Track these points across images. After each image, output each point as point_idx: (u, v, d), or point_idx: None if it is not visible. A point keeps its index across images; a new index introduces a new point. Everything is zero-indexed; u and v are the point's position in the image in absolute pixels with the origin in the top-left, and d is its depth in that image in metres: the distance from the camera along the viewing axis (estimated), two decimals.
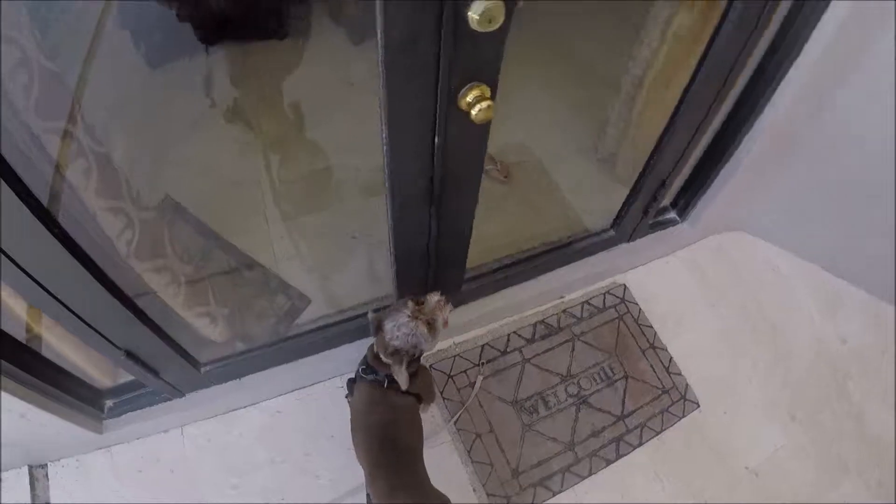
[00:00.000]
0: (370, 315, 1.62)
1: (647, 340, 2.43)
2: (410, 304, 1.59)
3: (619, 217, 2.34)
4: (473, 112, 1.27)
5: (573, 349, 2.37)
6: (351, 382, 1.80)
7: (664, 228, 2.57)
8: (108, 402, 2.11)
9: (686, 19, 2.10)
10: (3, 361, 1.61)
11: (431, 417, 2.20)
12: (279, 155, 2.66)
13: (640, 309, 2.50)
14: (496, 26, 1.10)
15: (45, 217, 1.26)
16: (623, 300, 2.50)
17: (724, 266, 2.67)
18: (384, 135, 1.33)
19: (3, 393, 1.63)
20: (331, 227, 2.51)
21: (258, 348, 2.12)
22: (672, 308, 2.54)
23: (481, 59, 1.23)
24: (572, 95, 2.91)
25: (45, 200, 1.28)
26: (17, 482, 2.08)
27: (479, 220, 1.82)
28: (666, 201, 2.54)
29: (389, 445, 1.65)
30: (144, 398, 2.10)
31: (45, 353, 1.85)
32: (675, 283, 2.60)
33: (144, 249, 1.71)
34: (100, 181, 1.52)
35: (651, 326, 2.46)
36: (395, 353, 1.58)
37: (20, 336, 1.75)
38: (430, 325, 1.59)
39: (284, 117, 2.75)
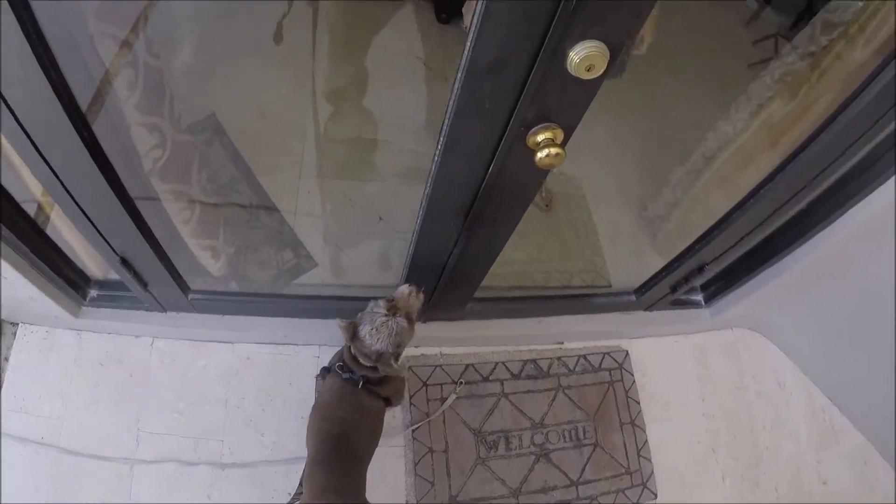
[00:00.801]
0: (339, 323, 1.55)
1: (630, 415, 2.33)
2: (382, 303, 1.55)
3: (646, 286, 2.25)
4: (539, 155, 1.18)
5: (554, 399, 2.29)
6: (325, 371, 1.73)
7: (685, 308, 2.48)
8: (93, 292, 2.11)
9: (781, 107, 1.96)
10: (8, 231, 1.63)
11: (392, 418, 2.16)
12: (333, 109, 2.54)
13: (633, 381, 2.40)
14: (593, 75, 1.02)
15: (77, 117, 1.21)
16: (620, 366, 2.40)
17: (731, 364, 2.57)
18: (440, 143, 1.26)
19: None
20: (361, 199, 2.42)
21: (250, 294, 2.09)
22: (664, 390, 2.45)
23: (565, 102, 1.14)
24: (639, 145, 2.78)
25: (82, 101, 1.23)
26: None
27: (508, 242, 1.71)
28: (696, 283, 2.40)
29: (342, 445, 1.60)
30: (127, 300, 2.09)
31: (50, 231, 1.85)
32: (677, 366, 2.51)
33: (169, 171, 1.67)
34: (143, 96, 1.45)
35: (638, 402, 2.37)
36: (380, 357, 1.54)
37: (30, 210, 1.76)
38: (409, 318, 1.56)
39: (348, 73, 2.61)
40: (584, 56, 0.98)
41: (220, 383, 2.14)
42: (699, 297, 2.46)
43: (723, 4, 3.12)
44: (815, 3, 2.81)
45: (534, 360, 2.33)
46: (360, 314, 1.58)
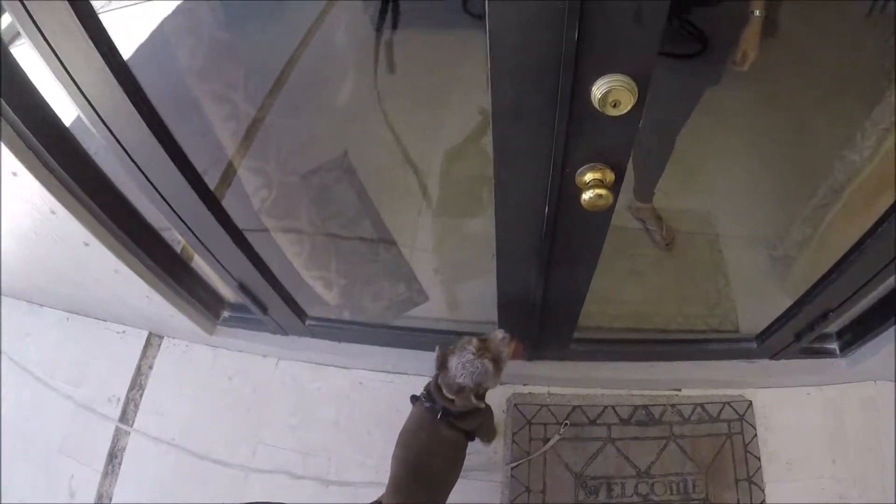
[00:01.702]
0: (437, 350, 1.60)
1: (747, 472, 2.14)
2: (475, 341, 1.57)
3: (766, 333, 2.09)
4: (584, 196, 1.16)
5: (664, 448, 2.15)
6: (414, 398, 1.76)
7: (817, 357, 2.22)
8: (225, 313, 2.37)
9: None
10: (147, 257, 1.87)
11: (493, 453, 2.17)
12: (456, 149, 2.54)
13: (755, 434, 2.19)
14: (621, 112, 0.98)
15: (185, 165, 1.42)
16: (741, 418, 2.21)
17: (869, 423, 2.24)
18: (495, 185, 1.26)
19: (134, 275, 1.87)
20: (476, 237, 2.43)
21: (363, 324, 2.18)
22: (789, 448, 2.20)
23: (603, 141, 1.10)
24: (771, 180, 2.53)
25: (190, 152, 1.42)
26: (136, 339, 2.46)
27: (621, 280, 1.62)
28: (831, 329, 2.18)
29: (418, 473, 1.64)
30: (254, 322, 2.31)
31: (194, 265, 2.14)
32: (806, 421, 2.24)
33: (277, 209, 1.82)
34: (245, 143, 1.58)
35: (758, 458, 2.16)
36: (461, 390, 1.56)
37: (177, 246, 2.07)
38: (496, 362, 1.56)
39: (472, 114, 2.60)
40: (606, 91, 0.93)
41: (332, 405, 2.28)
42: (834, 346, 2.20)
43: (872, 22, 2.79)
44: None
45: (646, 406, 2.22)
46: (452, 346, 1.61)
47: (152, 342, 2.44)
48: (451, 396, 1.58)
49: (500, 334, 1.60)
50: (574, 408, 2.21)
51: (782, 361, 2.20)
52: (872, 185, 1.86)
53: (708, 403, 2.24)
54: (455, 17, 2.68)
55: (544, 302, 1.72)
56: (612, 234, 1.44)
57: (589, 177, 1.13)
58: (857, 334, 2.11)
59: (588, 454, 2.14)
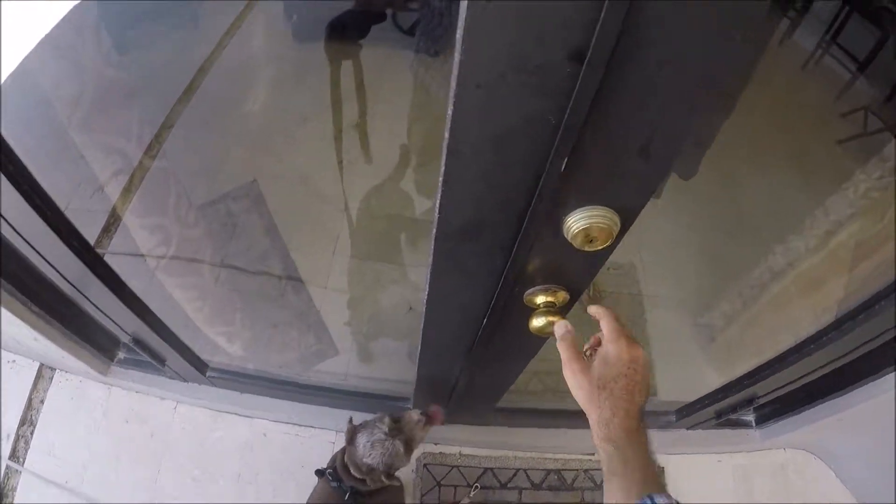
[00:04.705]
0: (347, 426, 1.44)
1: None
2: (388, 420, 1.43)
3: (688, 409, 1.95)
4: (534, 323, 0.93)
5: None
6: (319, 473, 1.55)
7: (732, 428, 2.11)
8: (121, 354, 2.04)
9: (864, 228, 1.61)
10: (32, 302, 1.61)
11: None
12: (377, 183, 2.27)
13: None
14: (595, 248, 0.78)
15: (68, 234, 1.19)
16: None
17: (778, 489, 2.16)
18: (426, 293, 1.02)
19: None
20: (393, 284, 2.17)
21: (267, 378, 1.91)
22: None
23: (567, 269, 0.91)
24: (705, 242, 2.37)
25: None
26: (27, 370, 2.11)
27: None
28: (745, 414, 2.10)
29: None
30: (152, 367, 1.97)
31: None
32: (715, 488, 2.13)
33: (177, 265, 1.52)
34: (138, 199, 1.33)
35: None
36: (371, 471, 1.40)
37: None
38: (408, 444, 1.43)
39: (399, 145, 2.30)
40: (583, 227, 0.74)
41: (235, 457, 2.01)
42: (749, 417, 2.10)
43: (807, 75, 2.68)
44: None
45: (558, 471, 2.04)
46: (364, 421, 1.45)
47: (44, 374, 2.08)
48: (360, 476, 1.40)
49: (415, 416, 1.45)
50: (485, 470, 2.01)
51: (698, 431, 2.09)
52: (815, 277, 1.73)
53: None
54: (379, 32, 2.40)
55: (467, 387, 1.50)
56: None
57: (541, 299, 0.93)
58: (776, 410, 2.01)
59: None
